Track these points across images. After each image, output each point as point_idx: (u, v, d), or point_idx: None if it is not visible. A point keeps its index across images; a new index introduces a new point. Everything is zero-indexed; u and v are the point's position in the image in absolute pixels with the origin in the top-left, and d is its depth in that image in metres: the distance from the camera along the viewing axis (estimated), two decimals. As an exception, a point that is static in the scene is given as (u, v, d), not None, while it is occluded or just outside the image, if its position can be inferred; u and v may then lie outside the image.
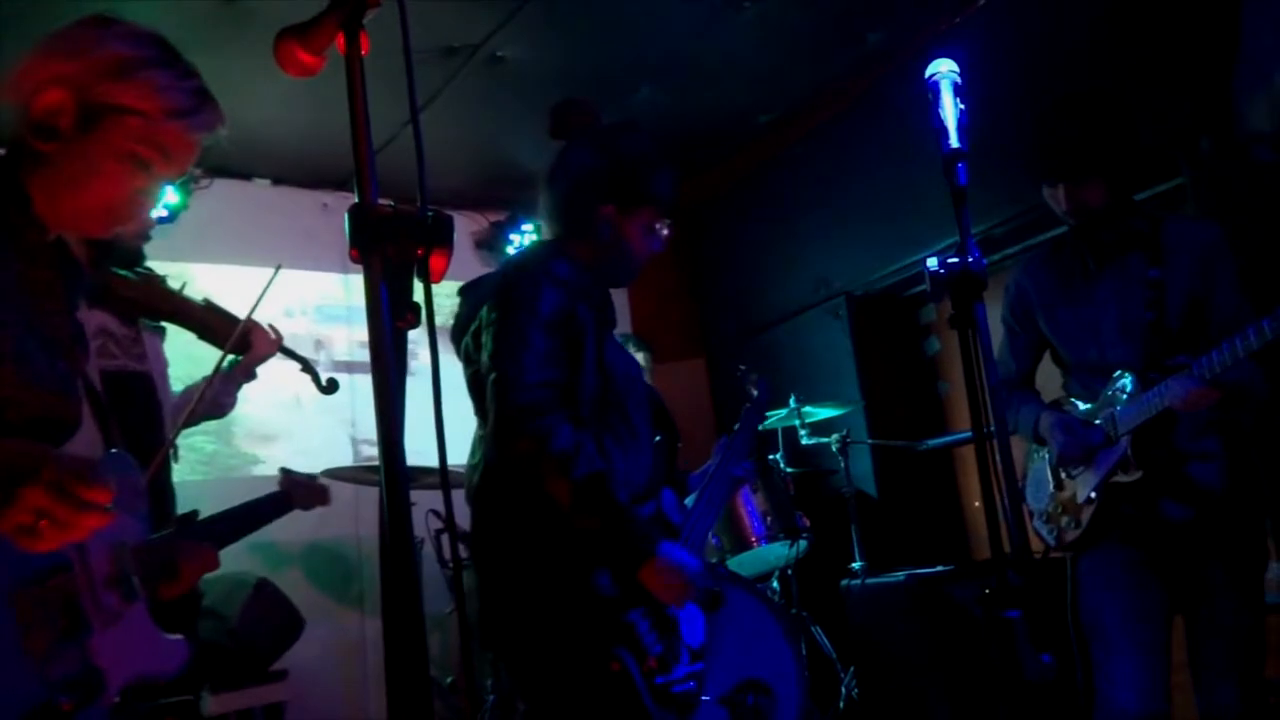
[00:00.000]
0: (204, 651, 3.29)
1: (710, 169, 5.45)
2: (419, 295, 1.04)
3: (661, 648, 1.95)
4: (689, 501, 2.49)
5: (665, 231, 2.20)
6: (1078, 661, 2.38)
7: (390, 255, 0.97)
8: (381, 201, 0.99)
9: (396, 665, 0.95)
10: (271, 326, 2.73)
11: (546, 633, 1.93)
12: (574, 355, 1.97)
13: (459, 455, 2.12)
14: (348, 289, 5.01)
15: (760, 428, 2.54)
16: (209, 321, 2.67)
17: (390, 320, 0.95)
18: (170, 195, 4.14)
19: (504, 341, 1.94)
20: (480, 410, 2.06)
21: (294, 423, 4.72)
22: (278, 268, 2.74)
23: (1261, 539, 2.34)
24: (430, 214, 0.99)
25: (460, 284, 2.21)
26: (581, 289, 2.05)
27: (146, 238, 2.89)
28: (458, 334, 2.14)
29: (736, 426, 2.65)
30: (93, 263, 2.45)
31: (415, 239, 0.99)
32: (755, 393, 2.62)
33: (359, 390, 4.41)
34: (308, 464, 3.06)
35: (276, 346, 2.74)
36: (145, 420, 2.64)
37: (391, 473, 1.01)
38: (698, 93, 4.53)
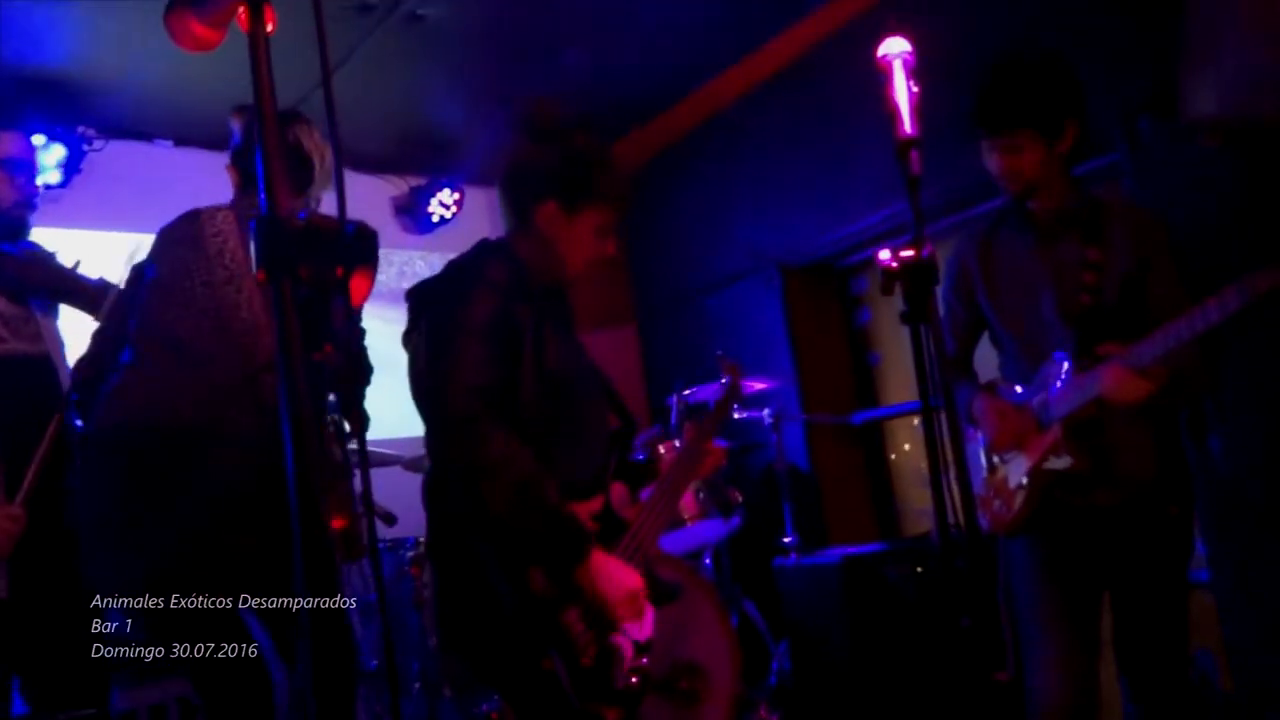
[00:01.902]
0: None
1: (641, 133, 5.27)
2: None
3: (598, 647, 1.93)
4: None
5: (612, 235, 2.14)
6: (1010, 647, 2.37)
7: (304, 277, 0.81)
8: (296, 212, 0.84)
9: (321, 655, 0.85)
10: None
11: (489, 632, 1.95)
12: (512, 357, 1.95)
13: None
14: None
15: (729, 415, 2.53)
16: (104, 299, 2.57)
17: (305, 354, 0.80)
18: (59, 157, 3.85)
19: (434, 350, 1.95)
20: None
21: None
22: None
23: (1188, 525, 2.35)
24: (352, 227, 0.84)
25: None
26: (520, 289, 2.01)
27: (30, 206, 2.72)
28: (405, 339, 2.14)
29: (707, 413, 2.61)
30: None
31: (334, 257, 0.83)
32: (725, 380, 2.56)
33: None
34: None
35: None
36: (44, 406, 2.51)
37: (308, 509, 0.89)
38: (629, 54, 4.34)
